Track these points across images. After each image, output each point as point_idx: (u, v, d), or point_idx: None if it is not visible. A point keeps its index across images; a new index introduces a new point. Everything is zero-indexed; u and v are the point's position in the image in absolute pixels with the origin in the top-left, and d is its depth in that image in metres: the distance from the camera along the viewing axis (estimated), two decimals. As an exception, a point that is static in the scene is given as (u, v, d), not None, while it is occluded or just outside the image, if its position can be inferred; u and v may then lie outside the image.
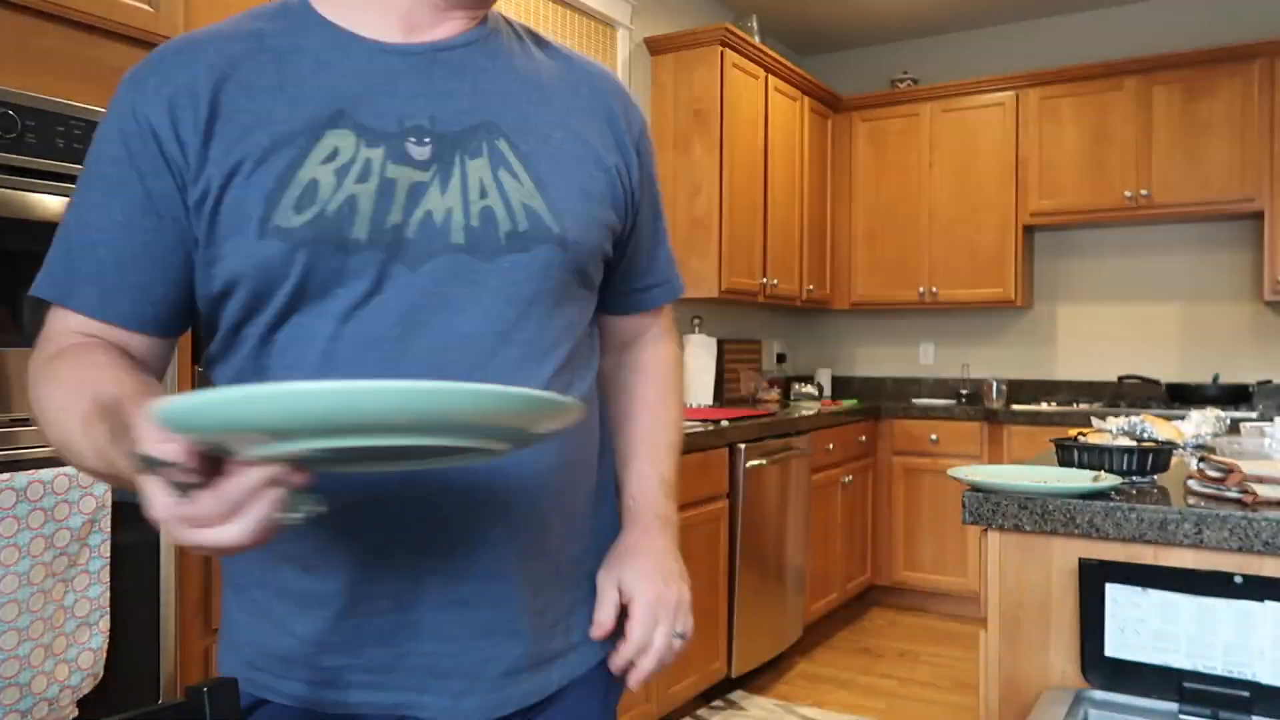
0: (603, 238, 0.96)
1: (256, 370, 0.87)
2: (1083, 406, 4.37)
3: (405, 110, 0.87)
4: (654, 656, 0.96)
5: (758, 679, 3.54)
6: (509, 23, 1.00)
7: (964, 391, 4.84)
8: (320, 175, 0.83)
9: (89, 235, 0.85)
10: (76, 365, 0.81)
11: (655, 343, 1.12)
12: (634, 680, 0.97)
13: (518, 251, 0.88)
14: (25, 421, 1.42)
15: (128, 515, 1.54)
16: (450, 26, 0.92)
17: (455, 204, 0.87)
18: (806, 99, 4.65)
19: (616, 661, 0.96)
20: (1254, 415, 3.88)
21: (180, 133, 0.83)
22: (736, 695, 3.36)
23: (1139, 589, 1.46)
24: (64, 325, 0.86)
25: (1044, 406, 4.40)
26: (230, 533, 0.63)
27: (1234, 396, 4.09)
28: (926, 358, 5.15)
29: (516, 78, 0.94)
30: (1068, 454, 1.78)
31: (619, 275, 1.05)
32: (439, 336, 0.85)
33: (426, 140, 0.87)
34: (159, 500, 0.63)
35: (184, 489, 0.62)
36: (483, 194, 0.88)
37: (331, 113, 0.85)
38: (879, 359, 5.30)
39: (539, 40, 1.01)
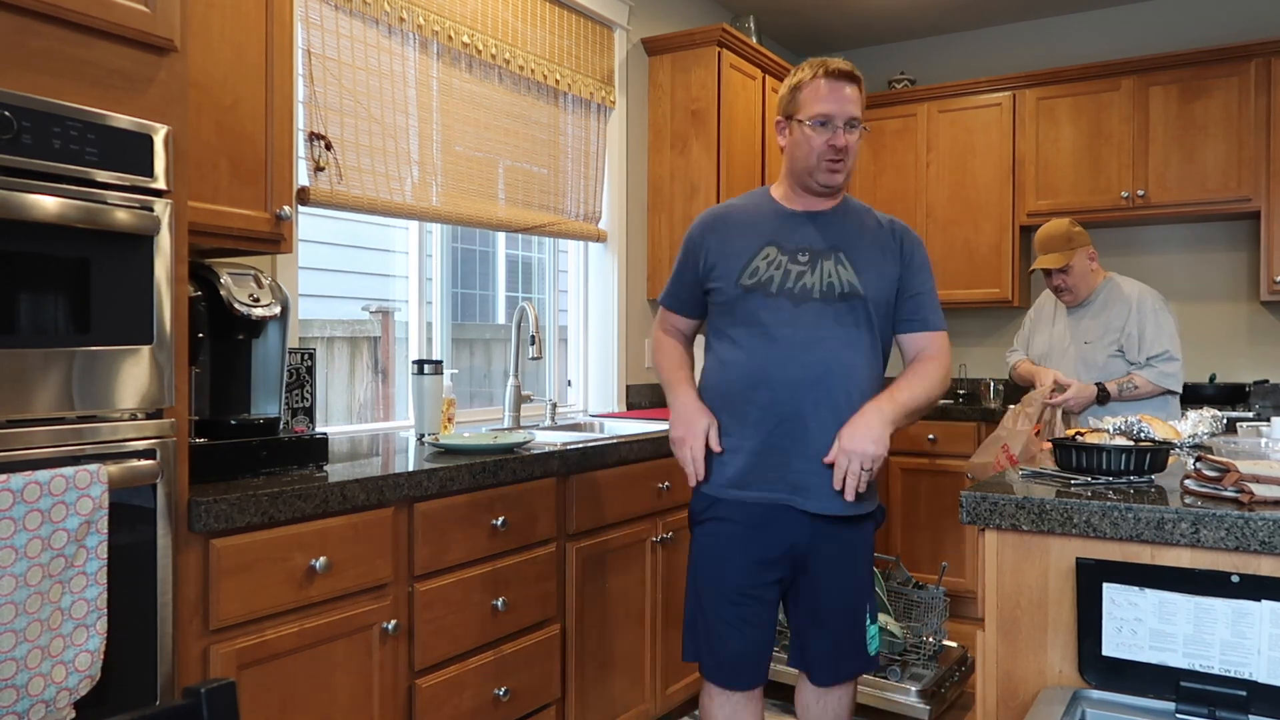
0: (889, 296, 2.07)
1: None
2: (1080, 406, 4.36)
3: (797, 240, 2.07)
4: (839, 474, 1.95)
5: (756, 679, 3.54)
6: (855, 202, 2.17)
7: (961, 391, 4.84)
8: (760, 264, 2.06)
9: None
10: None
11: (926, 355, 2.12)
12: (846, 492, 1.97)
13: (843, 300, 2.02)
14: (22, 423, 1.42)
15: (125, 517, 1.54)
16: (822, 204, 2.11)
17: (815, 281, 2.03)
18: (803, 99, 4.65)
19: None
20: (1250, 415, 3.89)
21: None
22: (734, 695, 3.35)
23: (1136, 588, 1.46)
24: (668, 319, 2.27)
25: (1041, 406, 4.40)
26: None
27: (1230, 396, 4.10)
28: (924, 358, 5.14)
29: (852, 227, 2.10)
30: (1065, 453, 1.78)
31: (898, 313, 2.12)
32: (807, 341, 2.02)
33: (805, 253, 2.06)
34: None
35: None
36: (827, 276, 2.03)
37: (767, 239, 2.08)
38: (876, 359, 5.30)
39: (868, 211, 2.16)
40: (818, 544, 2.02)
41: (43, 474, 1.39)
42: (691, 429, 2.05)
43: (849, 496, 1.94)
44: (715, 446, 2.04)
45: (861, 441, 1.92)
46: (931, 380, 2.05)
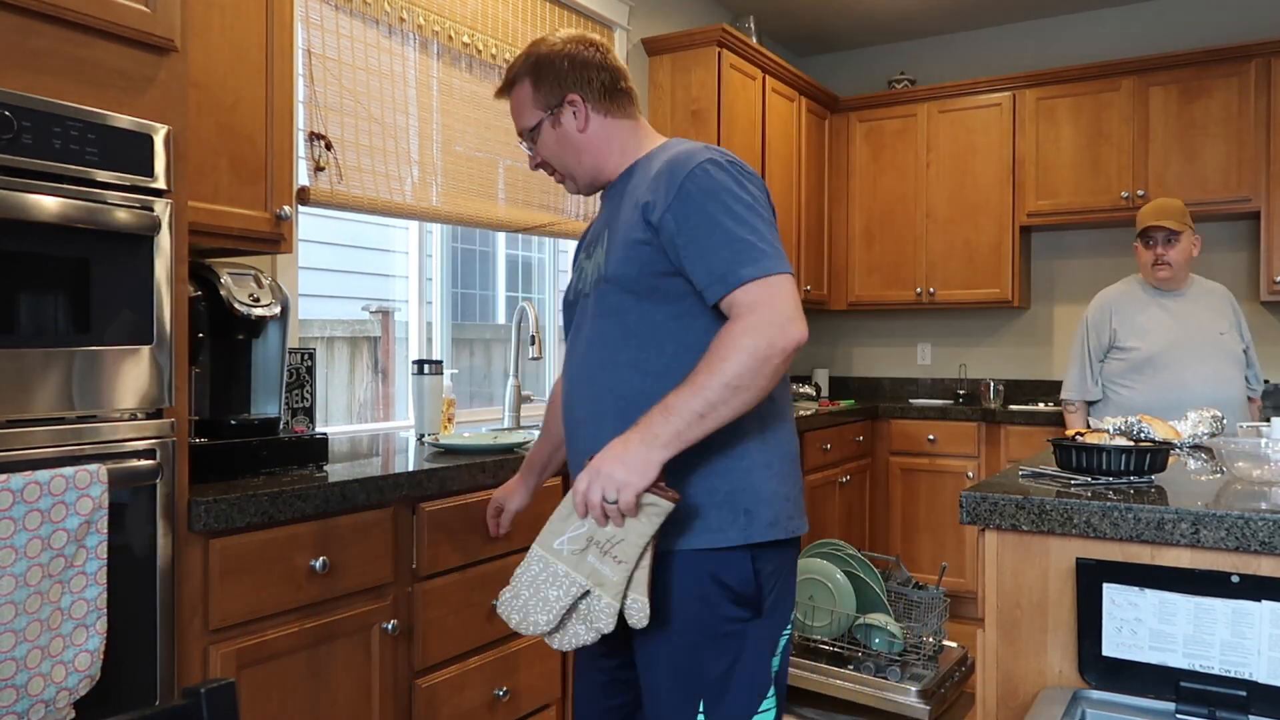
0: (642, 266, 1.52)
1: None
2: (1080, 406, 4.36)
3: (595, 229, 1.70)
4: (579, 498, 1.43)
5: (756, 679, 3.54)
6: (655, 151, 1.65)
7: (961, 392, 4.84)
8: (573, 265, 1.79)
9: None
10: None
11: (726, 325, 1.46)
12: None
13: (594, 290, 1.60)
14: (22, 422, 1.42)
15: (125, 517, 1.54)
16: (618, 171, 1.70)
17: (589, 272, 1.63)
18: (804, 99, 4.65)
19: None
20: (1251, 415, 3.88)
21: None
22: (734, 696, 3.35)
23: (1136, 589, 1.46)
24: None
25: (1041, 406, 4.40)
26: None
27: (1231, 396, 4.09)
28: (924, 358, 5.15)
29: (624, 194, 1.62)
30: (1065, 454, 1.78)
31: (693, 284, 1.52)
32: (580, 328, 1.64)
33: (592, 244, 1.66)
34: None
35: None
36: (596, 264, 1.60)
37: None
38: (876, 359, 5.30)
39: (662, 157, 1.59)
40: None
41: (43, 474, 1.39)
42: (493, 501, 2.01)
43: None
44: (493, 527, 2.00)
45: (608, 460, 1.40)
46: (723, 360, 1.40)
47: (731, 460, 1.50)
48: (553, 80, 1.65)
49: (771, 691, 1.53)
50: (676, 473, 1.47)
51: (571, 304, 1.71)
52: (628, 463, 1.39)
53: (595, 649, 1.63)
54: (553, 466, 1.98)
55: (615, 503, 1.39)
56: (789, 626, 1.58)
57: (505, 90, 1.73)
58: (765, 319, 1.41)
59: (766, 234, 1.49)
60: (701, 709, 1.49)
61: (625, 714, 1.67)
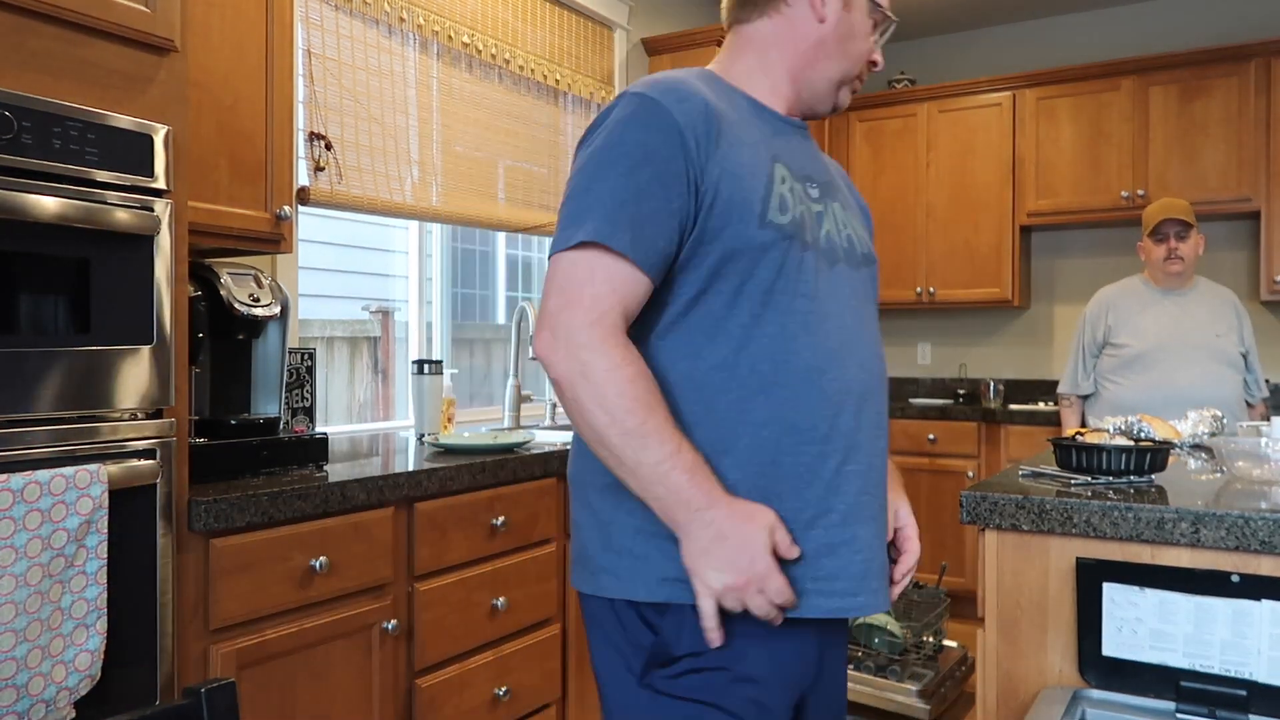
0: None
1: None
2: (1080, 406, 4.36)
3: (803, 164, 1.29)
4: (905, 570, 1.34)
5: (756, 679, 3.54)
6: None
7: (961, 391, 4.84)
8: (785, 193, 1.21)
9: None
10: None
11: None
12: (898, 591, 1.33)
13: (865, 267, 1.33)
14: (22, 423, 1.42)
15: (125, 516, 1.54)
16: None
17: (834, 230, 1.27)
18: (803, 99, 4.65)
19: (896, 574, 1.33)
20: (1251, 415, 3.88)
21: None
22: (734, 695, 3.35)
23: (1136, 588, 1.46)
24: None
25: (1041, 406, 4.40)
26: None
27: (1231, 396, 4.08)
28: (924, 357, 5.15)
29: (825, 158, 1.40)
30: (1065, 453, 1.78)
31: None
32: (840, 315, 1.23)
33: (815, 185, 1.28)
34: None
35: None
36: (843, 227, 1.30)
37: (773, 153, 1.24)
38: (876, 359, 5.29)
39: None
40: (825, 653, 1.29)
41: (43, 474, 1.39)
42: (758, 559, 1.09)
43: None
44: (788, 551, 1.12)
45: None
46: None
47: None
48: None
49: None
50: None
51: (823, 251, 1.24)
52: None
53: None
54: None
55: None
56: None
57: None
58: None
59: None
60: None
61: None
